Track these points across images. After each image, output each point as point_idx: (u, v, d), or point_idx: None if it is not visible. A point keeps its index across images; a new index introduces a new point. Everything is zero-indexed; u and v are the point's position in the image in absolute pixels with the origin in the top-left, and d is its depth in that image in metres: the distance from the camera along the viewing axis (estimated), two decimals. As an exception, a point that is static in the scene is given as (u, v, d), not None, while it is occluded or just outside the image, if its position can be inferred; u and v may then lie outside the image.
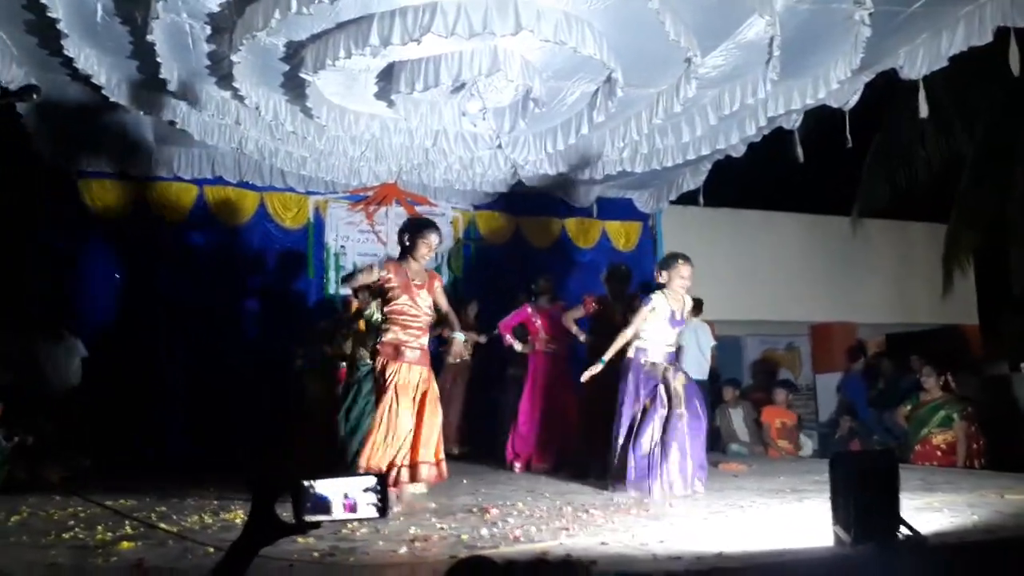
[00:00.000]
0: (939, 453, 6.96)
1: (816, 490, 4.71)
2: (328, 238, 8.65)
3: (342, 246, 8.67)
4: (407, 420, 4.49)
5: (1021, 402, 8.23)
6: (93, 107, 6.65)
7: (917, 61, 5.74)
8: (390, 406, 4.48)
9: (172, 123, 6.77)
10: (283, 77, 6.01)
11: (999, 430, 7.39)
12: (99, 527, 3.80)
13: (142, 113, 6.66)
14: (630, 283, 6.76)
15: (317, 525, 1.50)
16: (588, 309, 6.65)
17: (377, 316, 5.31)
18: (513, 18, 4.75)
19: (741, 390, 9.19)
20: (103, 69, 5.91)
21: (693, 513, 4.21)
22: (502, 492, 5.22)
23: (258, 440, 6.90)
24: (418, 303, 4.68)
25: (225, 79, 5.95)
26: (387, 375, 4.55)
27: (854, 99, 6.37)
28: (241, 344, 7.98)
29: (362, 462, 4.44)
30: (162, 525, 3.78)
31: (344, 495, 1.47)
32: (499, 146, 7.40)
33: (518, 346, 6.99)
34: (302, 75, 5.63)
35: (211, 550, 3.00)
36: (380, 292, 4.78)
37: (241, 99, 6.22)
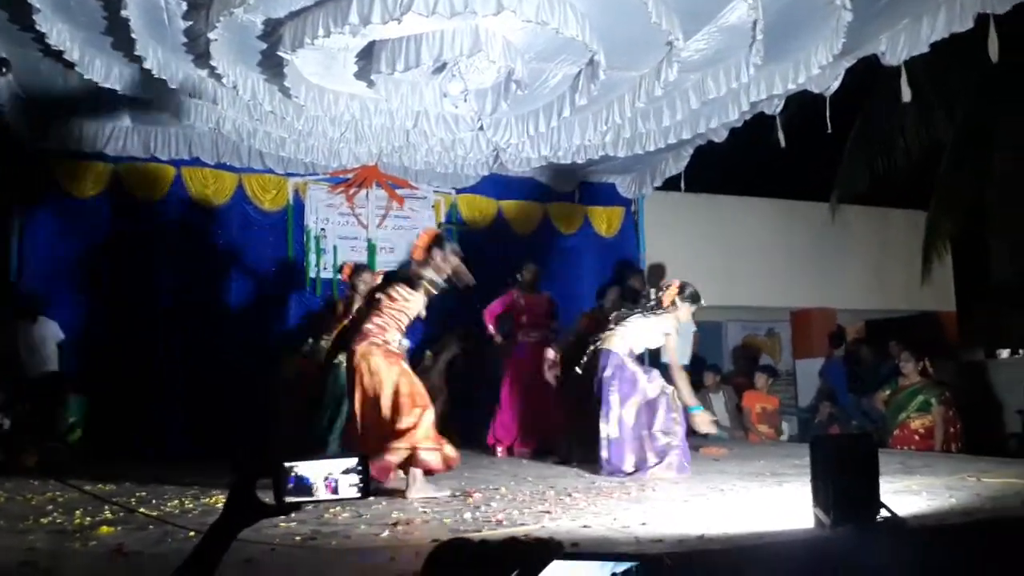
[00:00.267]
0: (917, 437, 7.04)
1: (796, 474, 4.74)
2: (308, 220, 8.55)
3: (322, 229, 8.58)
4: None
5: (997, 387, 8.36)
6: (66, 84, 6.51)
7: (898, 47, 5.76)
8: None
9: (148, 102, 6.65)
10: (261, 55, 5.91)
11: (975, 415, 7.50)
12: (78, 512, 3.76)
13: (117, 91, 6.53)
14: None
15: (299, 507, 1.48)
16: (581, 327, 6.67)
17: None
18: (495, -2, 4.70)
19: (722, 375, 9.24)
20: (76, 45, 5.77)
21: (674, 496, 4.23)
22: (485, 476, 5.22)
23: (238, 422, 6.85)
24: None
25: (202, 57, 5.85)
26: None
27: (835, 84, 6.38)
28: (219, 326, 7.89)
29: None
30: (142, 510, 3.74)
31: (326, 476, 1.44)
32: (481, 128, 7.34)
33: (498, 338, 7.01)
34: (280, 53, 5.54)
35: (192, 534, 2.97)
36: None
37: (218, 78, 6.12)
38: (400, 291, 4.61)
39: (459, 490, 4.50)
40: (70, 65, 5.92)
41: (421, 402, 4.38)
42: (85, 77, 6.08)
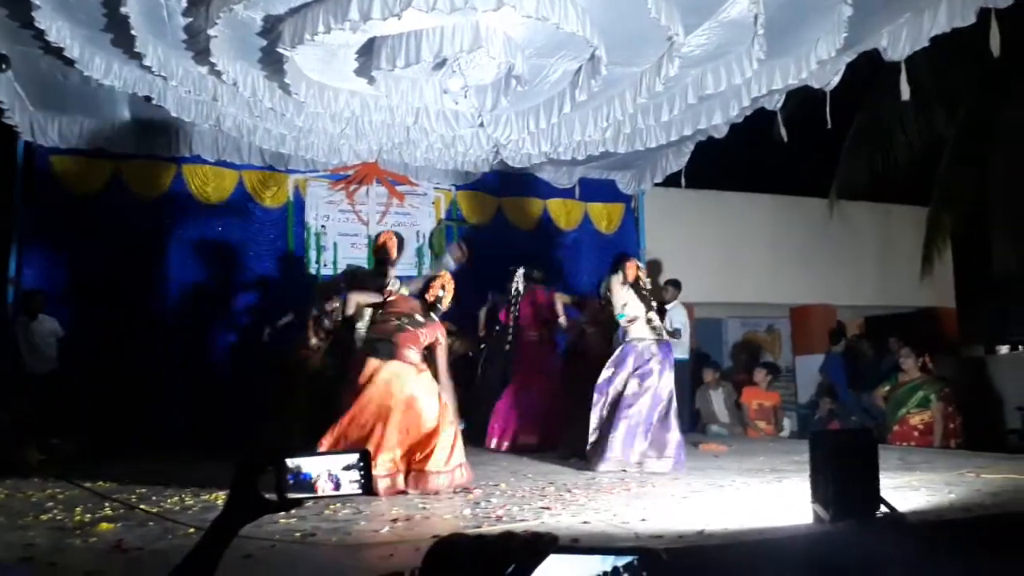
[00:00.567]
0: (916, 433, 7.05)
1: (795, 470, 4.74)
2: (308, 217, 8.56)
3: (322, 225, 8.58)
4: None
5: (996, 383, 8.36)
6: (66, 81, 6.51)
7: (900, 42, 5.75)
8: None
9: (148, 99, 6.65)
10: (261, 52, 5.91)
11: (975, 411, 7.50)
12: (78, 508, 3.76)
13: (117, 88, 6.52)
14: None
15: (300, 503, 1.48)
16: (592, 308, 6.70)
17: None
18: (496, -7, 4.69)
19: (722, 372, 9.25)
20: (76, 42, 5.78)
21: (674, 492, 4.23)
22: (484, 472, 5.22)
23: (237, 418, 6.85)
24: None
25: (202, 54, 5.84)
26: None
27: (836, 79, 6.37)
28: (219, 323, 7.90)
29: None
30: (142, 506, 3.74)
31: (327, 472, 1.44)
32: (481, 124, 7.34)
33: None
34: (280, 50, 5.54)
35: (192, 530, 2.98)
36: None
37: (218, 75, 6.12)
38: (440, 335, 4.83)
39: (459, 486, 4.51)
40: (70, 62, 5.92)
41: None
42: (85, 74, 6.08)
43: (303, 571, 2.75)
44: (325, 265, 8.43)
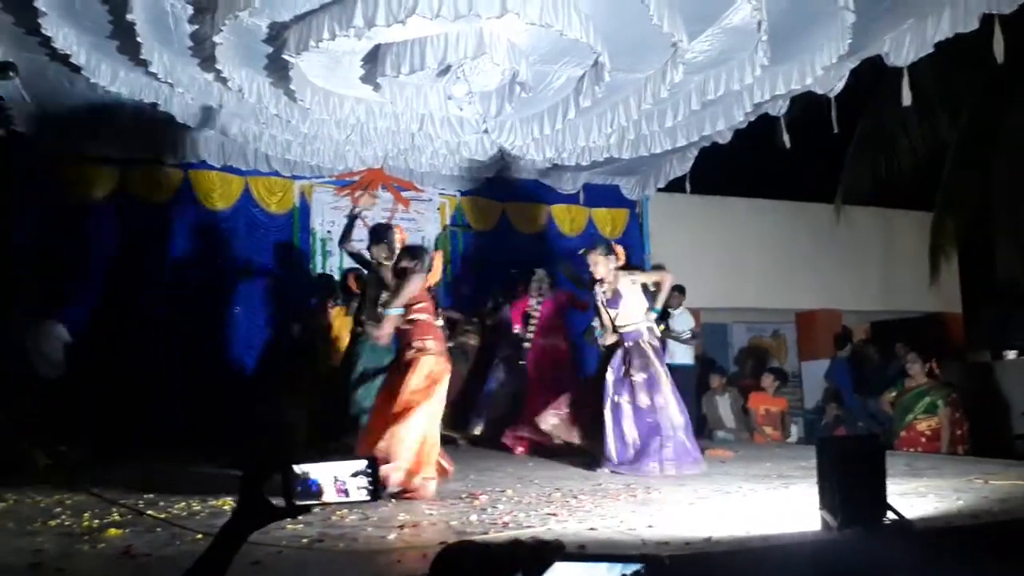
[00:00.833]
0: (923, 439, 7.03)
1: (802, 476, 4.73)
2: (314, 223, 8.59)
3: (328, 231, 8.59)
4: None
5: (1003, 388, 8.34)
6: (73, 88, 6.54)
7: (903, 47, 5.76)
8: None
9: (154, 105, 6.68)
10: (266, 59, 5.93)
11: (982, 416, 7.48)
12: (86, 514, 3.77)
13: (123, 95, 6.55)
14: None
15: (308, 509, 1.49)
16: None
17: None
18: (499, 0, 4.70)
19: (728, 377, 9.23)
20: (82, 49, 5.81)
21: (680, 499, 4.22)
22: (491, 479, 5.22)
23: (246, 423, 6.86)
24: None
25: (208, 61, 5.87)
26: None
27: (839, 85, 6.38)
28: (226, 329, 7.91)
29: None
30: (150, 512, 3.75)
31: (335, 479, 1.45)
32: (485, 131, 7.36)
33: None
34: (285, 57, 5.56)
35: (199, 536, 2.99)
36: None
37: (224, 81, 6.14)
38: None
39: (466, 492, 4.51)
40: (76, 69, 5.95)
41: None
42: (91, 81, 6.11)
43: (310, 577, 2.75)
44: (331, 270, 8.44)
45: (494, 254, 8.86)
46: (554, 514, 3.77)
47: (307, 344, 7.01)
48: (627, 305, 5.63)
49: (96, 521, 3.62)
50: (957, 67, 8.48)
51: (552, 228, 9.46)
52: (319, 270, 8.43)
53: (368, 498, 1.47)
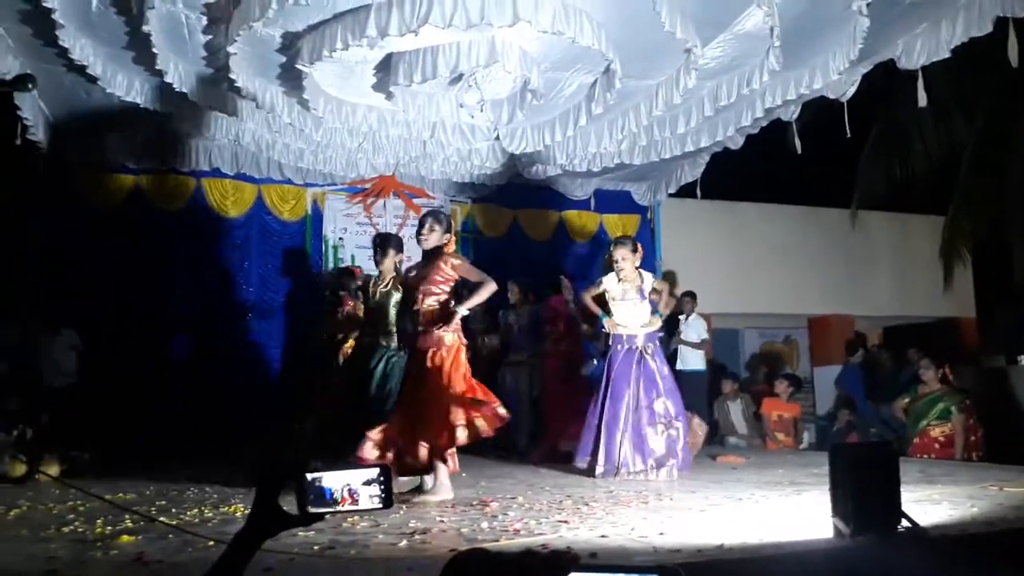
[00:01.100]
0: (937, 445, 6.97)
1: (814, 483, 4.70)
2: (326, 230, 8.65)
3: (340, 238, 8.66)
4: None
5: (1018, 394, 8.25)
6: (89, 98, 6.61)
7: (915, 52, 5.74)
8: None
9: (168, 114, 6.73)
10: (280, 68, 5.99)
11: (997, 422, 7.40)
12: (99, 521, 3.78)
13: (139, 104, 6.62)
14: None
15: (321, 517, 1.50)
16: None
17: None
18: (511, 9, 4.73)
19: (740, 383, 9.19)
20: (99, 60, 5.89)
21: (692, 505, 4.21)
22: (502, 485, 5.22)
23: (259, 433, 6.88)
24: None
25: (222, 71, 5.92)
26: None
27: (851, 90, 6.36)
28: (240, 336, 7.97)
29: None
30: (162, 519, 3.76)
31: (348, 487, 1.46)
32: (497, 138, 7.38)
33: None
34: (299, 66, 5.61)
35: (211, 543, 2.99)
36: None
37: (238, 91, 6.19)
38: None
39: (476, 499, 4.51)
40: (93, 80, 6.02)
41: None
42: (107, 91, 6.17)
43: (322, 584, 2.76)
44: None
45: (505, 261, 8.87)
46: (565, 521, 3.76)
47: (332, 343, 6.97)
48: (638, 307, 5.66)
49: (109, 528, 3.64)
50: (972, 70, 8.44)
51: (563, 234, 9.47)
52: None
53: (380, 506, 1.47)
